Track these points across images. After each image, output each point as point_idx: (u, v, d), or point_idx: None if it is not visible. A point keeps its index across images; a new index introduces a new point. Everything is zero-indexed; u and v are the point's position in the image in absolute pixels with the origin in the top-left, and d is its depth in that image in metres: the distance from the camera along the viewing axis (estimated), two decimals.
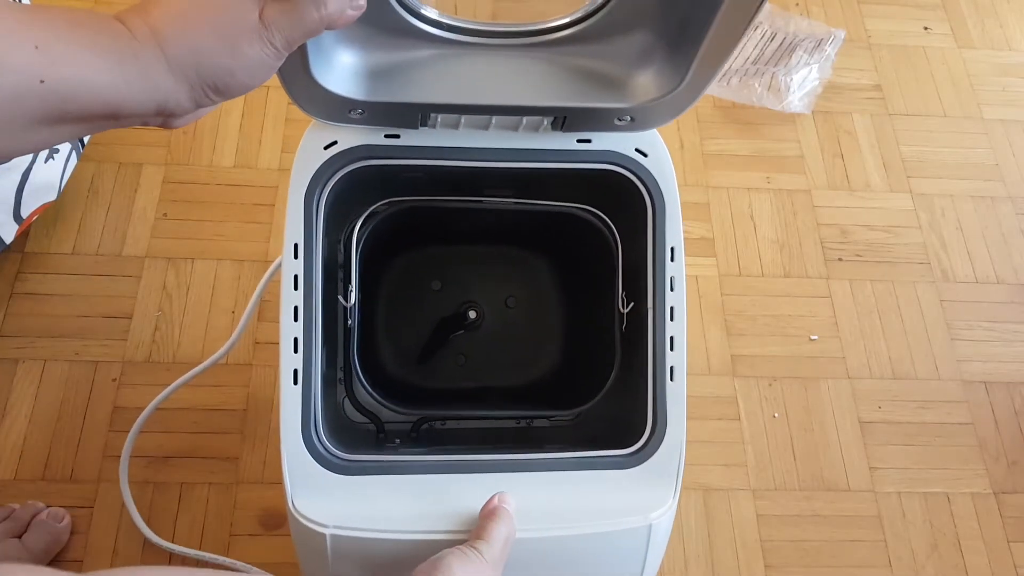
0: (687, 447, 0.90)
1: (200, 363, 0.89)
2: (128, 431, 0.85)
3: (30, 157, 0.86)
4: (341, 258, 0.61)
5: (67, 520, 0.80)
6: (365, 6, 0.42)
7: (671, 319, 0.56)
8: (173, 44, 0.36)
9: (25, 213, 0.89)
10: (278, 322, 0.55)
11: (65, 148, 0.92)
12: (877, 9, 1.25)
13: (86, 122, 0.36)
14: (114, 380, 0.88)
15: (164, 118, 0.39)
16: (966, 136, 1.15)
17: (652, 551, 0.55)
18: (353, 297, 0.57)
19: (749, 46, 1.19)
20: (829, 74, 1.16)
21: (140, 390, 0.88)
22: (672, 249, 0.57)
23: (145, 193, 0.99)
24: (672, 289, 0.57)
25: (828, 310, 1.00)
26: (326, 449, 0.53)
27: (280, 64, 0.39)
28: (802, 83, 1.14)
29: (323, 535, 0.51)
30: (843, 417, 0.94)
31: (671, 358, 0.56)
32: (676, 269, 0.57)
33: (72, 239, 0.96)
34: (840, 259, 1.04)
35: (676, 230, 0.57)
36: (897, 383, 0.96)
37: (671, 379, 0.57)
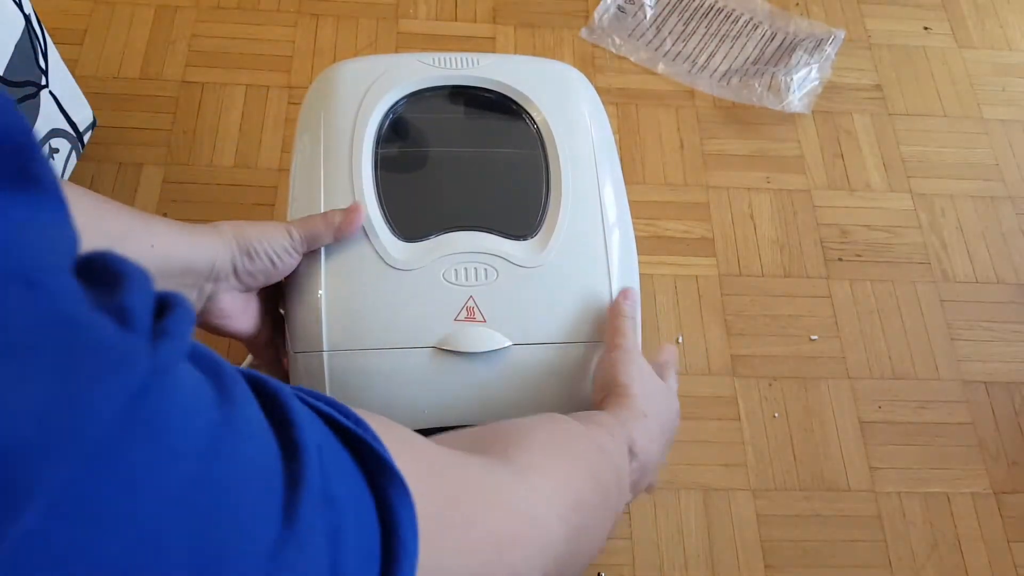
0: (687, 447, 0.91)
1: None
2: None
3: None
4: None
5: None
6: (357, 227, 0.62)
7: None
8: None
9: None
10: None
11: (65, 148, 0.92)
12: (877, 9, 1.25)
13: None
14: None
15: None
16: (966, 136, 1.15)
17: None
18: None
19: (749, 46, 1.19)
20: (829, 74, 1.17)
21: None
22: None
23: (145, 193, 0.99)
24: None
25: (828, 310, 1.00)
26: None
27: (296, 262, 0.60)
28: (802, 83, 1.14)
29: (320, 357, 0.57)
30: (843, 417, 0.94)
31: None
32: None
33: None
34: (840, 259, 1.04)
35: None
36: (897, 383, 0.96)
37: None
